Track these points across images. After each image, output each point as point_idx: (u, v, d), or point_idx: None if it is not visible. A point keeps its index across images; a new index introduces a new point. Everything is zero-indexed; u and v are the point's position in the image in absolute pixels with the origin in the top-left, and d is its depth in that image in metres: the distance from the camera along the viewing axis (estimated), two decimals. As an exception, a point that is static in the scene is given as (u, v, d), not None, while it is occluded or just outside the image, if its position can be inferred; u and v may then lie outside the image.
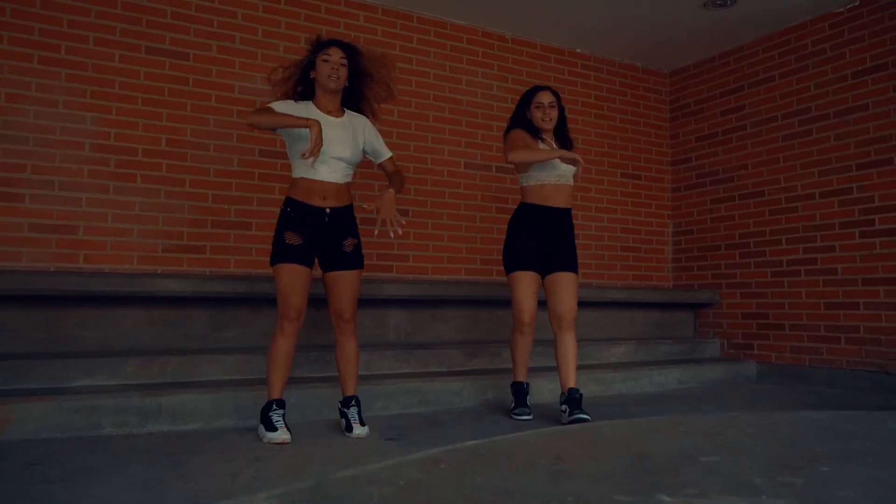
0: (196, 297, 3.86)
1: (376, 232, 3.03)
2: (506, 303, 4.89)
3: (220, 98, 4.39)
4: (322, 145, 2.88)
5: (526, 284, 3.51)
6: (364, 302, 3.89)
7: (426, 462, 1.54)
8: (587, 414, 3.27)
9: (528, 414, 3.58)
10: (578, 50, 5.81)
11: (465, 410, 3.84)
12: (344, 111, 3.17)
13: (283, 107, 3.03)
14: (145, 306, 3.84)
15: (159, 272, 4.17)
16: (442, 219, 5.10)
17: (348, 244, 3.11)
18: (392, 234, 3.03)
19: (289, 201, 3.07)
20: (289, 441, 2.91)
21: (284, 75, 3.12)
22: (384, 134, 4.85)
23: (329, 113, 3.10)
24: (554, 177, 3.53)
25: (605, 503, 1.25)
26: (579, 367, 4.50)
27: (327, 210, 3.05)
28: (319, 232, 3.05)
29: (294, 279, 2.99)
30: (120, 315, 3.79)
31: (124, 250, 4.09)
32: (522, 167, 3.56)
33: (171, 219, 4.22)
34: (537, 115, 3.55)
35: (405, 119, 5.01)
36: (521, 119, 3.61)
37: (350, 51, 3.11)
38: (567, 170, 3.55)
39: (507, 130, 3.64)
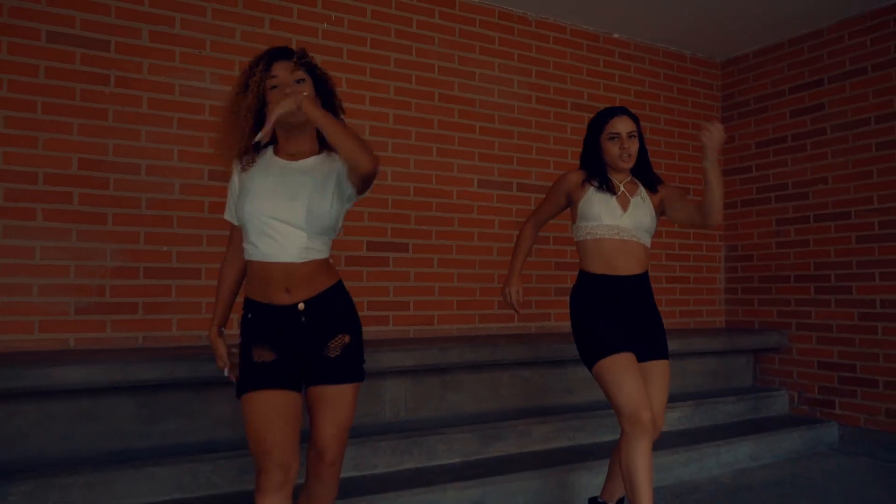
0: (115, 388, 2.77)
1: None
2: (534, 363, 3.86)
3: (155, 102, 3.27)
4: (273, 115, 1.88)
5: (628, 367, 2.45)
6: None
7: None
8: None
9: None
10: (616, 35, 4.71)
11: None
12: (322, 150, 2.11)
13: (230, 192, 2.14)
14: (45, 398, 2.73)
15: (71, 342, 3.07)
16: (450, 253, 4.01)
17: (334, 346, 2.04)
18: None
19: (247, 304, 2.08)
20: None
21: (234, 126, 2.04)
22: (377, 147, 3.79)
23: (292, 157, 2.07)
24: (607, 229, 2.57)
25: None
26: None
27: (300, 307, 2.00)
28: (296, 339, 2.02)
29: (270, 415, 1.95)
30: (7, 412, 2.69)
31: (19, 314, 2.98)
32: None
33: (86, 268, 3.11)
34: (613, 152, 2.59)
35: (402, 125, 3.90)
36: (592, 153, 2.66)
37: (303, 57, 2.05)
38: (633, 224, 2.57)
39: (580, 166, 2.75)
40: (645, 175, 2.67)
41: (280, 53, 2.03)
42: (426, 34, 4.02)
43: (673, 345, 4.19)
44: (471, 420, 3.54)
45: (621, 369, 2.45)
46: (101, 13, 3.18)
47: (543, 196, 2.80)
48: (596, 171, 2.64)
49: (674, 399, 4.14)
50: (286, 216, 1.97)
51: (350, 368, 2.06)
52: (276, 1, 3.58)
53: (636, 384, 2.43)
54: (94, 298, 3.12)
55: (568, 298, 2.72)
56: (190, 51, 3.36)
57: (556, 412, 3.76)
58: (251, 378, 2.00)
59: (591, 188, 2.61)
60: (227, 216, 2.16)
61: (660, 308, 2.71)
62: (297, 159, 2.06)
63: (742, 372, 4.85)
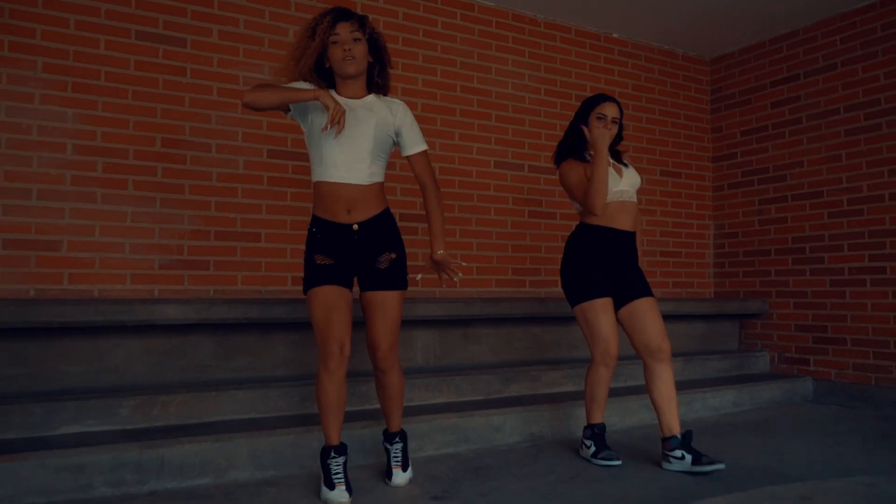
0: (200, 324, 3.33)
1: (420, 277, 2.77)
2: (543, 319, 4.42)
3: (223, 91, 3.83)
4: (343, 112, 2.39)
5: (606, 312, 3.08)
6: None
7: None
8: (720, 460, 2.93)
9: (618, 457, 3.09)
10: (615, 35, 5.27)
11: (509, 449, 3.38)
12: (370, 94, 2.65)
13: (293, 86, 2.54)
14: (141, 335, 3.29)
15: (156, 293, 3.63)
16: (470, 225, 4.57)
17: (383, 260, 2.61)
18: (455, 279, 2.79)
19: (314, 221, 2.61)
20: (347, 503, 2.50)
21: (294, 62, 2.56)
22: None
23: (354, 97, 2.59)
24: (615, 194, 3.11)
25: None
26: (629, 392, 4.05)
27: (354, 227, 2.55)
28: (351, 251, 2.57)
29: (331, 304, 2.50)
30: (111, 345, 3.25)
31: (115, 268, 3.54)
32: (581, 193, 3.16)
33: (168, 231, 3.67)
34: (597, 126, 3.12)
35: (431, 114, 4.46)
36: (572, 136, 3.22)
37: (362, 22, 2.57)
38: (629, 185, 3.16)
39: (558, 152, 3.29)
40: (616, 156, 3.24)
41: (343, 14, 2.53)
42: (449, 34, 4.58)
43: (666, 309, 4.77)
44: (489, 366, 4.10)
45: (602, 311, 3.06)
46: (179, 15, 3.74)
47: (552, 176, 3.31)
48: (580, 148, 3.17)
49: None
50: (357, 144, 2.49)
51: (396, 278, 2.63)
52: (324, 5, 4.13)
53: (611, 326, 3.06)
54: (174, 256, 3.68)
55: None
56: (251, 47, 3.91)
57: (563, 363, 4.31)
58: (315, 276, 2.53)
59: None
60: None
61: (654, 279, 3.35)
62: (358, 97, 2.58)
63: (728, 336, 5.41)
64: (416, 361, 4.01)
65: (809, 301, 4.95)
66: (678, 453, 2.96)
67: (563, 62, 5.02)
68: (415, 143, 2.64)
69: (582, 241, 3.16)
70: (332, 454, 2.54)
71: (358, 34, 2.52)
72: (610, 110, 3.12)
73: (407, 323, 3.89)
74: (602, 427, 3.17)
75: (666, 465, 3.01)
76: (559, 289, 3.36)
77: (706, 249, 5.66)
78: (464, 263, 2.68)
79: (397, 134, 2.62)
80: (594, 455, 3.10)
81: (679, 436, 2.98)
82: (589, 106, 3.18)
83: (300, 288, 2.74)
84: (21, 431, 2.77)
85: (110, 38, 3.57)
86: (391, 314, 2.62)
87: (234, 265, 3.82)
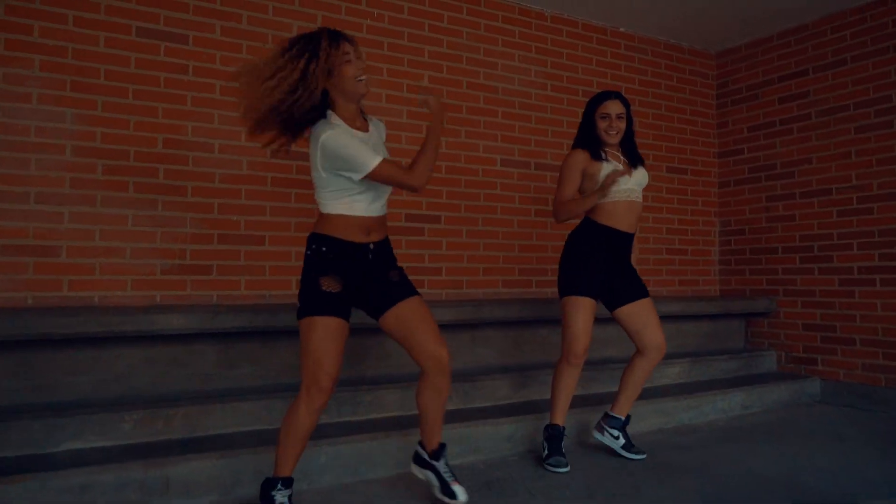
0: (204, 333, 3.24)
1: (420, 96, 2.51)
2: (553, 322, 4.35)
3: (226, 89, 3.70)
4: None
5: (587, 311, 3.12)
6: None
7: None
8: (643, 452, 3.32)
9: (566, 465, 3.09)
10: (622, 29, 5.18)
11: (520, 458, 3.33)
12: (365, 119, 2.54)
13: (359, 143, 2.34)
14: (143, 344, 3.19)
15: (158, 299, 3.53)
16: (477, 224, 4.48)
17: (394, 275, 2.54)
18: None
19: (321, 239, 2.42)
20: None
21: (279, 83, 2.27)
22: (417, 129, 4.25)
23: (358, 128, 2.46)
24: (623, 193, 3.13)
25: None
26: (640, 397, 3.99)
27: (371, 246, 2.47)
28: (363, 272, 2.46)
29: (332, 337, 2.35)
30: (113, 356, 3.15)
31: (116, 274, 3.43)
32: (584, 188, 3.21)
33: (170, 234, 3.56)
34: (602, 126, 3.12)
35: (436, 110, 4.35)
36: (587, 130, 3.20)
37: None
38: (637, 183, 3.18)
39: (574, 146, 3.25)
40: (631, 151, 3.22)
41: (343, 35, 2.37)
42: (456, 28, 4.47)
43: (672, 308, 4.74)
44: (498, 369, 4.03)
45: (581, 309, 3.09)
46: (180, 11, 3.61)
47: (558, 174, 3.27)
48: (595, 144, 3.15)
49: (673, 356, 4.65)
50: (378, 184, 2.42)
51: (411, 286, 2.55)
52: (329, 0, 4.01)
53: (585, 325, 3.09)
54: (177, 261, 3.57)
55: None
56: (254, 44, 3.79)
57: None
58: (318, 304, 2.34)
59: (604, 161, 3.12)
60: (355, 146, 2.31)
61: (660, 277, 3.40)
62: (362, 130, 2.45)
63: (735, 335, 5.36)
64: (424, 366, 3.93)
65: (818, 300, 4.90)
66: (616, 433, 3.30)
67: (570, 57, 4.92)
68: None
69: (582, 238, 3.20)
70: (280, 486, 2.41)
71: (361, 53, 2.44)
72: (612, 107, 3.11)
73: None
74: (557, 429, 3.17)
75: (597, 436, 3.35)
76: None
77: (712, 247, 5.60)
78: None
79: None
80: (546, 458, 3.14)
81: (623, 419, 3.32)
82: (591, 106, 3.18)
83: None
84: (21, 447, 2.67)
85: (109, 34, 3.45)
86: (430, 315, 2.50)
87: (238, 269, 3.72)
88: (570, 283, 3.15)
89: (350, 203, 2.41)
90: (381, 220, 2.51)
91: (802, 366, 4.99)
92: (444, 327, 3.92)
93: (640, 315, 3.20)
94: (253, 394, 3.22)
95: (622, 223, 3.14)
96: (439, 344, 2.46)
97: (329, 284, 2.38)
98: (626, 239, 3.18)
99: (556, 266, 4.75)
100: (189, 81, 3.63)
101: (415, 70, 4.30)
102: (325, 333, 2.34)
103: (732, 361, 4.93)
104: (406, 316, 2.47)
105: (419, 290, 2.58)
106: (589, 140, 3.17)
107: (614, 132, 3.11)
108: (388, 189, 2.50)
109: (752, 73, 5.41)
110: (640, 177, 3.19)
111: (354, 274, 2.44)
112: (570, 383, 3.18)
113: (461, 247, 4.39)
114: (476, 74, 4.54)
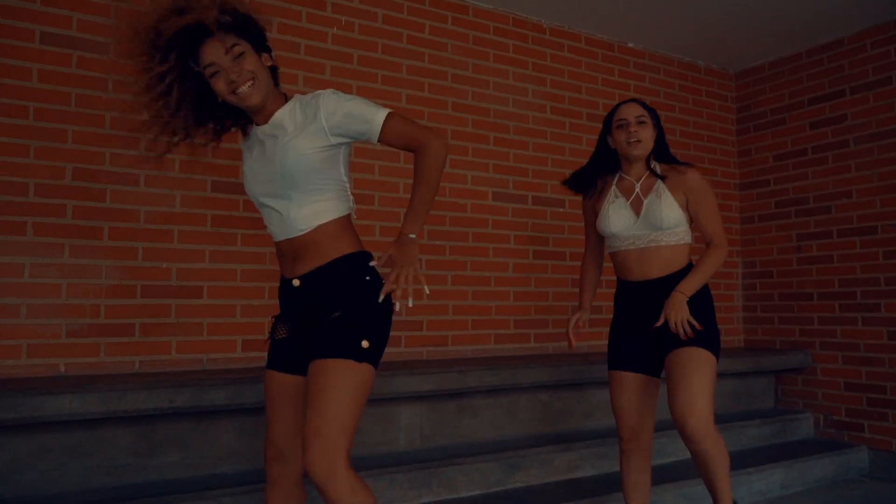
0: (111, 418, 2.53)
1: (381, 298, 1.82)
2: (562, 386, 3.65)
3: (156, 108, 3.05)
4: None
5: (621, 387, 2.55)
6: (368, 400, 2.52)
7: None
8: None
9: None
10: (630, 45, 4.56)
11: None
12: (284, 103, 1.89)
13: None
14: (32, 431, 2.49)
15: (62, 368, 2.83)
16: (465, 269, 3.81)
17: (334, 319, 1.84)
18: (407, 304, 1.84)
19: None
20: None
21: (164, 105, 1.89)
22: (386, 157, 3.59)
23: (264, 121, 1.89)
24: (624, 241, 2.52)
25: None
26: (660, 480, 3.28)
27: (294, 283, 1.88)
28: (298, 314, 1.94)
29: (271, 396, 1.94)
30: (-9, 446, 2.44)
31: (6, 338, 2.73)
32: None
33: (80, 287, 2.87)
34: (621, 139, 2.49)
35: (416, 136, 3.70)
36: (599, 155, 2.61)
37: (236, 22, 1.80)
38: (650, 225, 2.46)
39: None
40: (666, 161, 2.58)
41: (202, 30, 1.74)
42: (439, 40, 3.83)
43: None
44: (489, 447, 3.32)
45: (615, 385, 2.56)
46: (99, 13, 2.97)
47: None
48: (602, 171, 2.60)
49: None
50: (271, 189, 1.83)
51: (342, 342, 1.79)
52: (284, 4, 3.38)
53: (623, 403, 2.54)
54: (88, 320, 2.88)
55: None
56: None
57: (577, 437, 3.53)
58: (268, 354, 2.00)
59: (606, 200, 2.54)
60: None
61: None
62: (266, 121, 1.87)
63: (763, 393, 4.66)
64: (399, 445, 3.23)
65: (862, 355, 4.21)
66: None
67: (572, 75, 4.29)
68: (372, 119, 1.78)
69: (615, 296, 2.65)
70: None
71: (240, 47, 1.78)
72: (629, 111, 2.50)
73: (389, 400, 3.13)
74: None
75: None
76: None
77: (734, 291, 4.93)
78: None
79: (336, 135, 1.81)
80: None
81: None
82: (608, 119, 2.57)
83: (252, 354, 2.31)
84: None
85: (7, 41, 2.79)
86: (328, 392, 1.75)
87: (168, 328, 3.03)
88: (608, 355, 2.64)
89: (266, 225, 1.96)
90: (306, 242, 1.83)
91: (845, 431, 4.28)
92: (424, 398, 3.25)
93: (669, 372, 2.41)
94: (177, 491, 2.51)
95: (632, 274, 2.52)
96: (309, 426, 1.72)
97: (278, 330, 1.97)
98: (639, 288, 2.51)
99: (557, 315, 4.19)
100: (109, 99, 2.96)
101: (391, 88, 3.66)
102: (268, 392, 1.95)
103: (765, 427, 4.23)
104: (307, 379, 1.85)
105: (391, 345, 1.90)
106: (584, 173, 2.66)
107: (635, 140, 2.44)
108: (298, 184, 1.81)
109: (777, 94, 4.78)
110: (654, 215, 2.44)
111: (296, 316, 1.95)
112: (625, 472, 2.60)
113: (445, 296, 3.71)
114: (464, 94, 3.89)
